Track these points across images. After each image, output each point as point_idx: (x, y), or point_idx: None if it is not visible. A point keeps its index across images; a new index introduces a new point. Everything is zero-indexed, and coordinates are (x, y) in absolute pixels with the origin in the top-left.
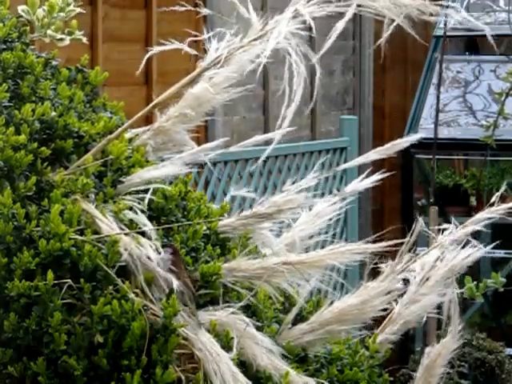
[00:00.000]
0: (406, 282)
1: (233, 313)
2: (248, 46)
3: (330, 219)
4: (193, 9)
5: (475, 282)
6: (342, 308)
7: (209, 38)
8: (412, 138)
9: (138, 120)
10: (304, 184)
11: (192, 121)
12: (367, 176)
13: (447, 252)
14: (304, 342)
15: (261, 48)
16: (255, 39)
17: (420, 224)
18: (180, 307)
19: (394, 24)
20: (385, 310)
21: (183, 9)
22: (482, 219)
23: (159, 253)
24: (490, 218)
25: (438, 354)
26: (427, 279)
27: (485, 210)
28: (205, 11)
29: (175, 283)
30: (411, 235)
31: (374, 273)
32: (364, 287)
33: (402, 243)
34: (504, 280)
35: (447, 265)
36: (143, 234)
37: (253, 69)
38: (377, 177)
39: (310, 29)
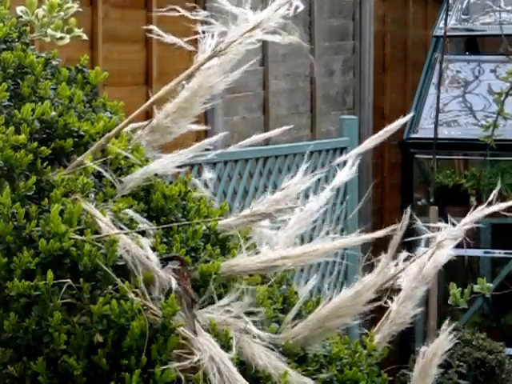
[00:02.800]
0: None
1: (232, 312)
2: (243, 38)
3: (331, 221)
4: (191, 13)
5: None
6: (336, 303)
7: (207, 36)
8: (403, 120)
9: (138, 118)
10: (301, 181)
11: (191, 113)
12: (364, 176)
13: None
14: (302, 340)
15: (256, 39)
16: (250, 30)
17: (420, 224)
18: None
19: None
20: (381, 308)
21: (179, 13)
22: (478, 217)
23: (166, 264)
24: (486, 216)
25: (433, 354)
26: (422, 277)
27: (482, 208)
28: (203, 13)
29: (174, 283)
30: (401, 228)
31: (372, 269)
32: (360, 282)
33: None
34: (491, 285)
35: (433, 261)
36: (143, 233)
37: (253, 69)
38: (359, 159)
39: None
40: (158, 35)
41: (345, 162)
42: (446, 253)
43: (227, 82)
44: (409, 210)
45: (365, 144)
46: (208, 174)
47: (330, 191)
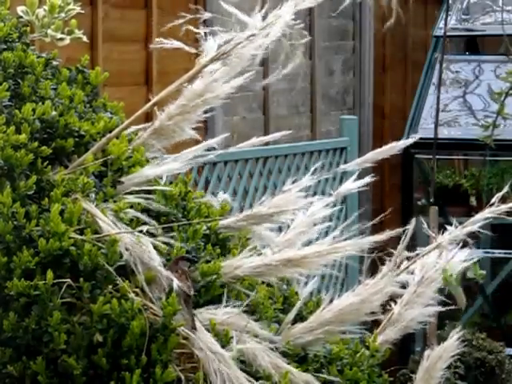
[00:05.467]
0: (406, 282)
1: (233, 312)
2: (247, 42)
3: (331, 220)
4: (191, 14)
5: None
6: (341, 307)
7: (208, 37)
8: (411, 140)
9: (138, 119)
10: (304, 184)
11: (194, 117)
12: (363, 176)
13: (445, 253)
14: (304, 342)
15: (260, 42)
16: (254, 34)
17: (420, 224)
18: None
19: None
20: (384, 310)
21: (179, 15)
22: (481, 219)
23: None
24: (489, 218)
25: (438, 357)
26: (426, 280)
27: (485, 210)
28: (206, 15)
29: (175, 283)
30: (408, 232)
31: (374, 270)
32: (363, 285)
33: (400, 241)
34: (484, 272)
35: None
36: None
37: (253, 69)
38: (370, 179)
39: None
40: (160, 41)
41: (345, 161)
42: (459, 258)
43: (232, 87)
44: (413, 216)
45: (371, 155)
46: (223, 195)
47: (333, 197)
